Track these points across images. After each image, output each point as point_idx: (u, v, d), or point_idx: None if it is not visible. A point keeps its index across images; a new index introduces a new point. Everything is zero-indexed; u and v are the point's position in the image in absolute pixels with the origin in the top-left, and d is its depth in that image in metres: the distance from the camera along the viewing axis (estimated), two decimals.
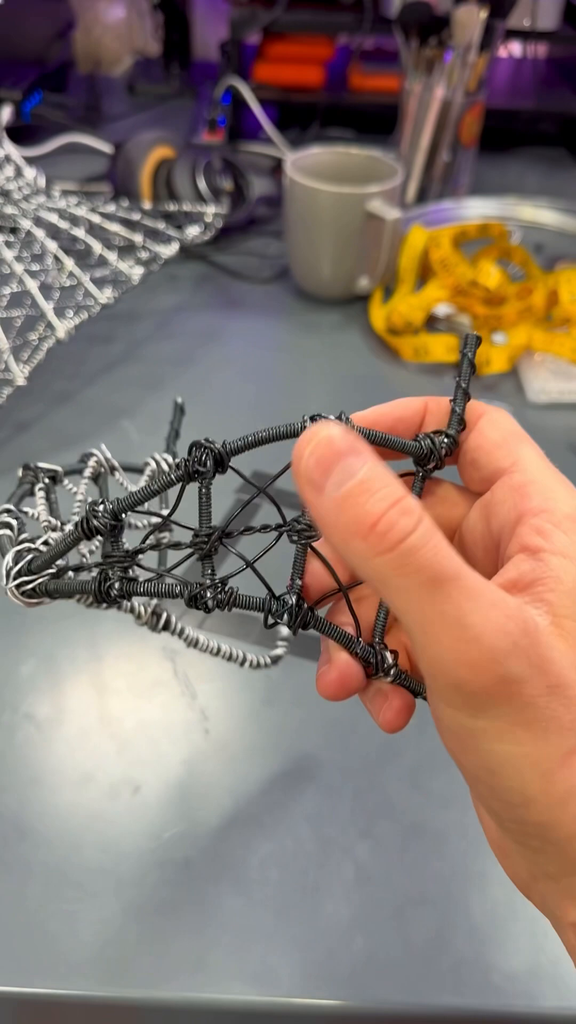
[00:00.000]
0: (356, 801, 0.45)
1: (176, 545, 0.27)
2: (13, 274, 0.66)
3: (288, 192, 0.82)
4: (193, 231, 0.79)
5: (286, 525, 0.26)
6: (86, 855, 0.43)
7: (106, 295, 0.67)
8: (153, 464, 0.37)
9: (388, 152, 0.87)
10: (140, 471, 0.38)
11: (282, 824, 0.44)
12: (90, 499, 0.34)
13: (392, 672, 0.27)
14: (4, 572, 0.27)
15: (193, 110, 1.24)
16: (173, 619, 0.36)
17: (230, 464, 0.25)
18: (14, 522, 0.29)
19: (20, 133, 1.11)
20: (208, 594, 0.25)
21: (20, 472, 0.34)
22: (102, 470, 0.36)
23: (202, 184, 0.90)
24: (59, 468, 0.35)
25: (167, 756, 0.47)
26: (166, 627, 0.36)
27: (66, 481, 0.36)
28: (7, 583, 0.27)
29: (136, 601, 0.35)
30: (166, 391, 0.73)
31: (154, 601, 0.36)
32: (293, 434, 0.24)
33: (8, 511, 0.30)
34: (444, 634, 0.21)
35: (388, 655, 0.27)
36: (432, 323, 0.81)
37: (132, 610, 0.34)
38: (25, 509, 0.32)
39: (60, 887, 0.42)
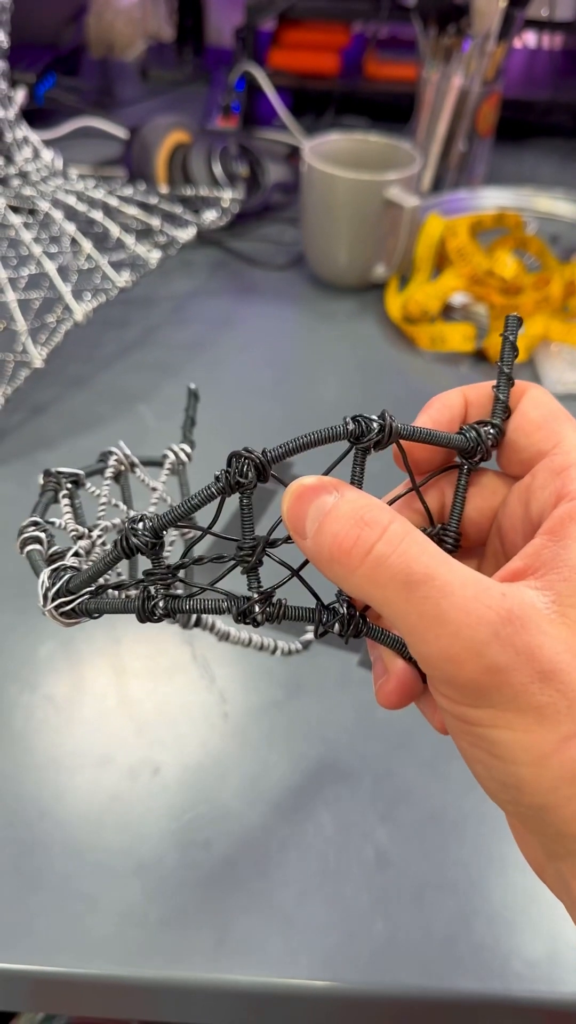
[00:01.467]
0: (375, 786, 0.45)
1: (219, 558, 0.26)
2: (31, 256, 0.65)
3: (306, 178, 0.82)
4: (210, 216, 0.78)
5: None
6: (106, 836, 0.43)
7: (124, 278, 0.67)
8: (172, 456, 0.37)
9: (404, 140, 0.87)
10: (159, 464, 0.37)
11: (302, 808, 0.44)
12: (124, 510, 0.33)
13: None
14: (41, 593, 0.27)
15: (206, 96, 1.23)
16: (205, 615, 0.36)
17: (272, 472, 0.24)
18: (43, 535, 0.29)
19: (33, 116, 1.10)
20: (257, 608, 0.25)
21: (41, 479, 0.33)
22: (122, 468, 0.36)
23: (218, 169, 0.90)
24: (81, 472, 0.34)
25: (186, 739, 0.47)
26: (197, 623, 0.36)
27: (88, 483, 0.35)
28: (46, 605, 0.27)
29: None
30: (181, 376, 0.73)
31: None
32: (335, 437, 0.24)
33: (35, 524, 0.29)
34: (427, 632, 0.21)
35: None
36: (448, 312, 0.81)
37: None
38: (51, 520, 0.31)
39: (80, 867, 0.42)
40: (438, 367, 0.76)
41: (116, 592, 0.27)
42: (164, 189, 0.85)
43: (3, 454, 0.64)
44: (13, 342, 0.63)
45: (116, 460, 0.35)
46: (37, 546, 0.28)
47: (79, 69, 1.32)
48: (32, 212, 0.69)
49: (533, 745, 0.21)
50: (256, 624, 0.25)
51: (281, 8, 1.10)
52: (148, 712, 0.48)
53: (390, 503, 0.27)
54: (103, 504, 0.34)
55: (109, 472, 0.35)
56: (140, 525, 0.24)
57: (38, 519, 0.30)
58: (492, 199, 0.98)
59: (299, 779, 0.45)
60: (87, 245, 0.67)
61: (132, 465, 0.36)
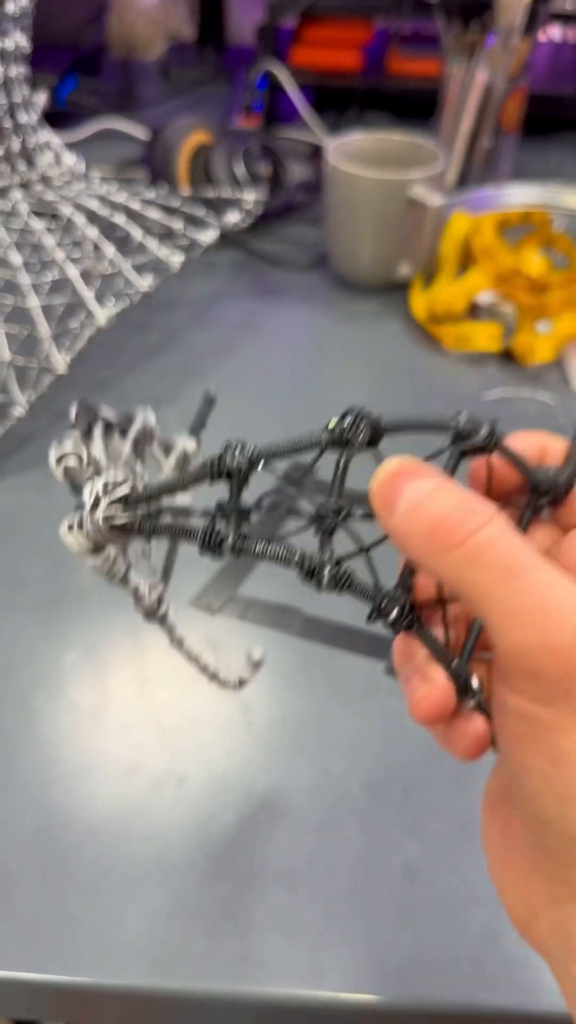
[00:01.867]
0: (403, 798, 0.44)
1: (295, 512, 0.26)
2: (54, 261, 0.65)
3: (329, 178, 0.81)
4: (232, 217, 0.78)
5: None
6: (132, 846, 0.43)
7: (147, 282, 0.67)
8: (180, 445, 0.36)
9: (428, 138, 0.86)
10: (168, 449, 0.36)
11: (328, 820, 0.44)
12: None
13: (477, 699, 0.26)
14: (90, 500, 0.25)
15: (228, 95, 1.23)
16: (170, 612, 0.35)
17: (378, 445, 0.24)
18: (83, 453, 0.28)
19: (55, 118, 1.10)
20: (328, 570, 0.24)
21: (75, 411, 0.32)
22: (144, 436, 0.34)
23: (240, 170, 0.89)
24: (112, 418, 0.33)
25: (211, 749, 0.47)
26: (163, 618, 0.34)
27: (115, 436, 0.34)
28: (93, 512, 0.25)
29: (142, 582, 0.33)
30: (204, 380, 0.73)
31: (160, 587, 0.34)
32: (442, 427, 0.24)
33: (74, 443, 0.28)
34: (525, 619, 0.21)
35: (475, 679, 0.26)
36: (474, 311, 0.80)
37: (136, 590, 0.32)
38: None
39: (106, 877, 0.41)
40: (464, 367, 0.76)
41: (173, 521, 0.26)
42: (186, 190, 0.85)
43: (27, 459, 0.64)
44: (36, 348, 0.62)
45: (141, 426, 0.34)
46: (75, 462, 0.27)
47: (100, 70, 1.32)
48: (54, 217, 0.69)
49: None
50: (319, 586, 0.24)
51: (303, 5, 1.09)
52: (173, 721, 0.48)
53: None
54: (125, 463, 0.32)
55: (133, 434, 0.34)
56: (238, 450, 0.24)
57: (78, 439, 0.29)
58: (518, 196, 0.97)
59: (325, 790, 0.45)
60: (110, 249, 0.67)
61: (151, 437, 0.35)
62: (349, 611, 0.53)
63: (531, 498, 0.27)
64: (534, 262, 0.79)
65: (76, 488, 0.26)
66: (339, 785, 0.45)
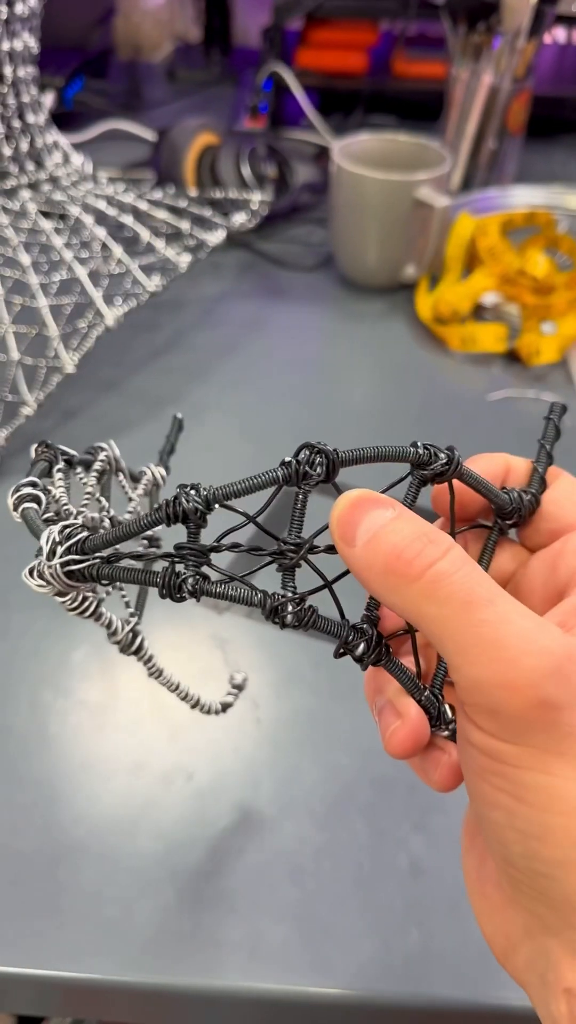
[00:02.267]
0: (409, 794, 0.45)
1: (257, 550, 0.25)
2: (63, 261, 0.66)
3: (335, 179, 0.81)
4: (239, 218, 0.78)
5: None
6: (140, 842, 0.43)
7: (154, 283, 0.67)
8: (149, 474, 0.35)
9: (433, 139, 0.86)
10: (136, 479, 0.36)
11: (335, 815, 0.44)
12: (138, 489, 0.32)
13: (452, 727, 0.26)
14: (47, 547, 0.24)
15: (234, 97, 1.24)
16: (146, 644, 0.35)
17: (335, 478, 0.23)
18: (42, 496, 0.27)
19: (62, 119, 1.11)
20: (290, 608, 0.23)
21: (35, 451, 0.31)
22: (107, 468, 0.33)
23: (246, 171, 0.90)
24: (74, 453, 0.32)
25: (219, 745, 0.47)
26: (138, 651, 0.34)
27: (77, 469, 0.34)
28: (50, 560, 0.24)
29: (114, 616, 0.32)
30: (211, 380, 0.73)
31: (133, 620, 0.34)
32: (399, 458, 0.24)
33: (34, 484, 0.27)
34: (482, 655, 0.21)
35: (448, 709, 0.26)
36: (479, 312, 0.81)
37: (109, 624, 0.32)
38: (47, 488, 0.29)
39: (114, 873, 0.42)
40: (469, 368, 0.76)
41: (134, 564, 0.25)
42: (193, 191, 0.85)
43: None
44: (45, 348, 0.63)
45: (105, 456, 0.33)
46: (33, 505, 0.26)
47: (107, 72, 1.33)
48: (63, 217, 0.69)
49: (569, 794, 0.20)
50: (283, 625, 0.24)
51: (309, 7, 1.09)
52: (181, 718, 0.48)
53: None
54: (87, 495, 0.31)
55: (97, 466, 0.33)
56: (193, 492, 0.23)
57: (37, 480, 0.28)
58: (523, 197, 0.98)
59: (332, 786, 0.45)
60: (118, 250, 0.67)
61: (118, 469, 0.34)
62: (355, 609, 0.53)
63: (496, 520, 0.28)
64: (539, 263, 0.79)
65: (35, 533, 0.25)
66: (346, 781, 0.45)
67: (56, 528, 0.25)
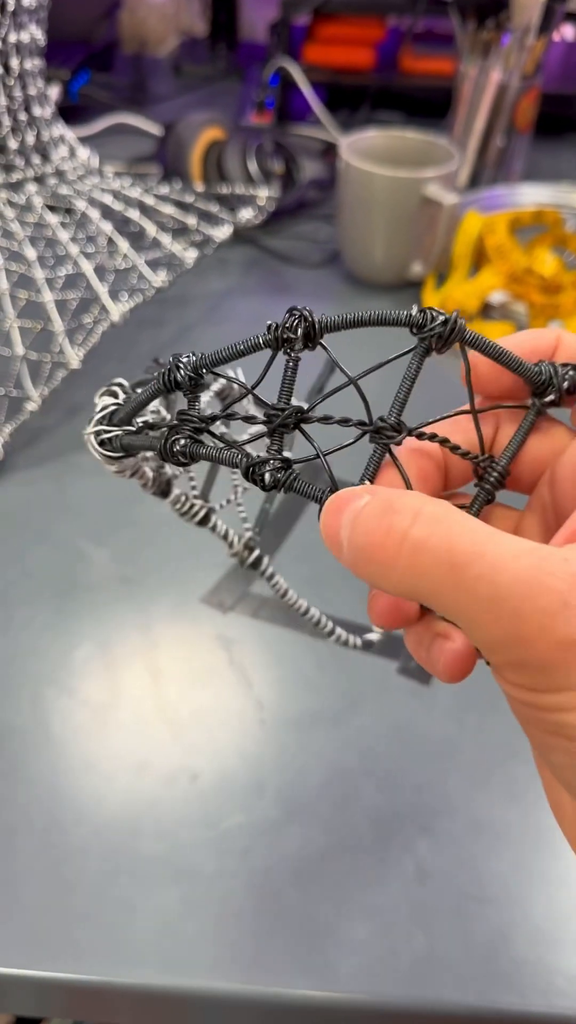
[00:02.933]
0: (415, 797, 0.44)
1: (251, 418, 0.25)
2: (68, 256, 0.65)
3: (342, 175, 0.81)
4: (246, 214, 0.78)
5: (370, 424, 0.24)
6: (144, 843, 0.42)
7: (160, 278, 0.67)
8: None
9: (440, 136, 0.86)
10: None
11: (339, 818, 0.44)
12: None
13: None
14: (91, 421, 0.26)
15: (240, 92, 1.23)
16: (266, 560, 0.35)
17: (321, 341, 0.23)
18: (119, 391, 0.28)
19: (67, 113, 1.10)
20: (267, 467, 0.23)
21: (150, 364, 0.32)
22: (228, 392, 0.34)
23: (253, 166, 0.89)
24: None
25: (223, 745, 0.47)
26: (255, 565, 0.35)
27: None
28: (87, 429, 0.26)
29: (231, 531, 0.34)
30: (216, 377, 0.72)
31: (247, 534, 0.35)
32: (396, 322, 0.23)
33: (119, 384, 0.28)
34: (485, 616, 0.19)
35: None
36: (487, 311, 0.80)
37: (226, 537, 0.34)
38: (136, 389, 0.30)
39: (118, 874, 0.41)
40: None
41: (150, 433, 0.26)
42: (199, 186, 0.85)
43: (39, 454, 0.64)
44: (50, 343, 0.62)
45: (232, 386, 0.34)
46: (110, 398, 0.27)
47: (112, 65, 1.32)
48: (69, 211, 0.69)
49: None
50: (263, 486, 0.23)
51: (316, 3, 1.09)
52: (185, 717, 0.48)
53: (435, 420, 0.26)
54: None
55: (215, 387, 0.33)
56: (184, 359, 0.24)
57: (123, 381, 0.28)
58: (530, 195, 0.97)
59: (337, 789, 0.45)
60: (124, 244, 0.67)
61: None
62: (362, 611, 0.53)
63: (533, 399, 0.25)
64: (546, 262, 0.78)
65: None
66: (351, 783, 0.45)
67: (103, 400, 0.26)
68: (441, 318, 0.23)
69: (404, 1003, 0.38)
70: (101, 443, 0.26)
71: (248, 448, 0.24)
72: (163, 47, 1.46)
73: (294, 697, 0.49)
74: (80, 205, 0.68)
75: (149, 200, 0.73)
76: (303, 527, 0.59)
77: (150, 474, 0.32)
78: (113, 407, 0.26)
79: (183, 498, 0.32)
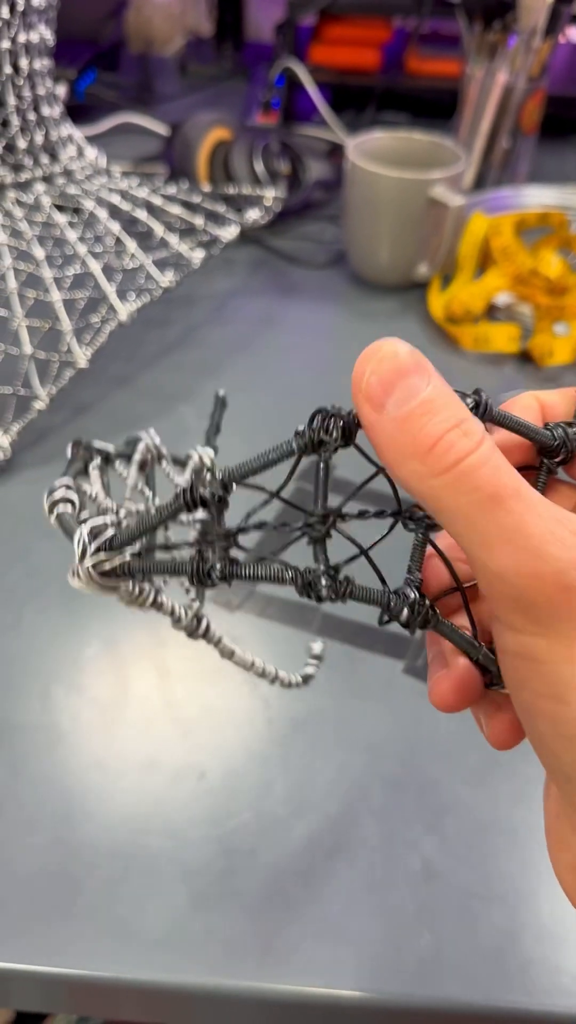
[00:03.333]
0: (422, 796, 0.45)
1: (283, 526, 0.24)
2: (76, 255, 0.65)
3: (349, 176, 0.81)
4: (253, 214, 0.78)
5: (404, 512, 0.24)
6: (152, 840, 0.43)
7: (168, 278, 0.67)
8: (196, 457, 0.35)
9: (446, 137, 0.86)
10: (183, 463, 0.36)
11: (347, 817, 0.44)
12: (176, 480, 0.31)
13: None
14: (78, 549, 0.24)
15: (246, 92, 1.23)
16: (213, 626, 0.34)
17: (355, 442, 0.22)
18: (75, 497, 0.27)
19: (73, 112, 1.10)
20: (324, 582, 0.22)
21: (70, 448, 0.31)
22: (149, 457, 0.34)
23: (259, 167, 0.89)
24: (111, 448, 0.32)
25: (230, 744, 0.47)
26: (205, 634, 0.33)
27: (117, 464, 0.34)
28: (82, 561, 0.24)
29: (176, 603, 0.32)
30: (222, 377, 0.73)
31: (195, 604, 0.33)
32: None
33: (68, 486, 0.27)
34: (505, 545, 0.20)
35: None
36: (492, 312, 0.80)
37: (172, 612, 0.31)
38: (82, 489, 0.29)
39: (126, 872, 0.42)
40: (482, 368, 0.76)
41: (164, 554, 0.25)
42: (206, 186, 0.85)
43: (46, 453, 0.64)
44: (58, 342, 0.63)
45: (144, 447, 0.33)
46: (68, 507, 0.26)
47: (118, 65, 1.32)
48: (77, 211, 0.69)
49: None
50: (320, 599, 0.23)
51: (323, 4, 1.09)
52: (192, 716, 0.48)
53: None
54: (130, 489, 0.32)
55: (137, 457, 0.33)
56: (209, 476, 0.23)
57: (70, 482, 0.27)
58: (536, 197, 0.97)
59: (344, 787, 0.45)
60: (131, 244, 0.67)
61: (160, 456, 0.34)
62: (367, 610, 0.53)
63: (541, 461, 0.26)
64: (552, 263, 0.79)
65: (69, 535, 0.25)
66: (358, 782, 0.45)
67: (85, 528, 0.24)
68: (470, 402, 0.23)
69: (411, 1001, 0.38)
70: (102, 574, 0.24)
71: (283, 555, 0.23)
72: (169, 47, 1.46)
73: (301, 696, 0.49)
74: (88, 205, 0.68)
75: (156, 200, 0.73)
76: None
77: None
78: (109, 531, 0.24)
79: (132, 586, 0.29)
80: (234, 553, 0.24)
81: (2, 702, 0.48)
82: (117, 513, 0.28)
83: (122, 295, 0.65)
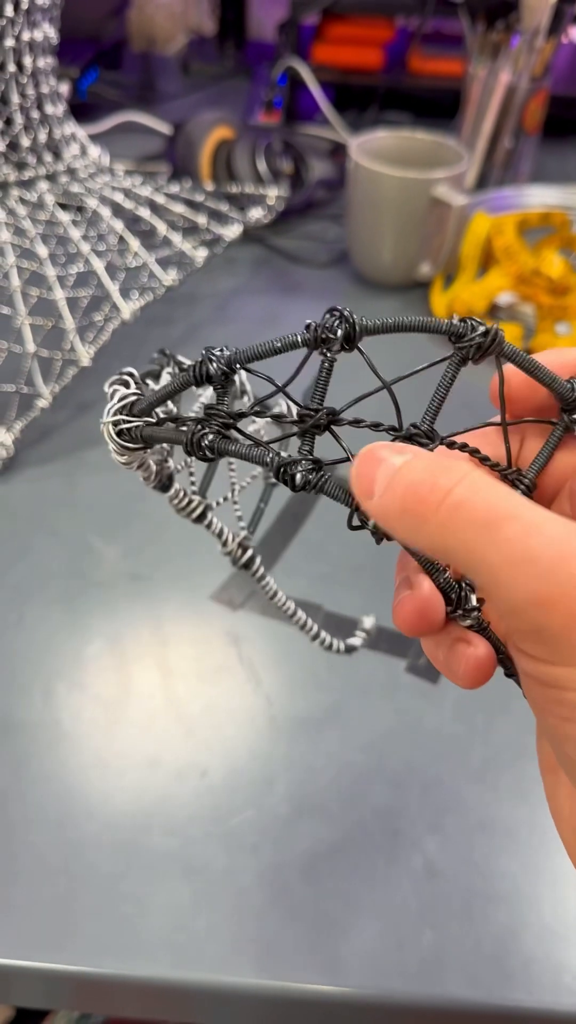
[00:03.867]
0: (424, 795, 0.45)
1: (280, 417, 0.25)
2: (79, 254, 0.65)
3: (352, 175, 0.81)
4: (256, 213, 0.78)
5: (402, 431, 0.24)
6: (154, 838, 0.43)
7: (171, 277, 0.67)
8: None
9: (449, 137, 0.86)
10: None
11: (349, 815, 0.44)
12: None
13: (474, 615, 0.24)
14: (106, 409, 0.25)
15: (248, 91, 1.23)
16: (258, 560, 0.35)
17: (359, 345, 0.23)
18: (131, 381, 0.27)
19: (76, 111, 1.10)
20: (299, 468, 0.23)
21: (156, 354, 0.32)
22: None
23: (262, 166, 0.89)
24: (188, 361, 0.32)
25: (233, 742, 0.47)
26: (248, 565, 0.34)
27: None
28: (104, 419, 0.25)
29: (226, 529, 0.33)
30: None
31: (243, 533, 0.35)
32: (436, 330, 0.23)
33: (130, 373, 0.27)
34: (513, 574, 0.19)
35: (473, 596, 0.24)
36: (495, 312, 0.80)
37: (220, 535, 0.33)
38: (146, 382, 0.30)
39: (128, 869, 0.42)
40: (485, 368, 0.75)
41: (173, 426, 0.25)
42: (209, 185, 0.85)
43: (49, 451, 0.64)
44: (61, 340, 0.63)
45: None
46: (121, 387, 0.26)
47: (121, 63, 1.32)
48: (80, 209, 0.69)
49: None
50: (293, 487, 0.23)
51: (325, 3, 1.09)
52: (195, 714, 0.48)
53: (465, 431, 0.26)
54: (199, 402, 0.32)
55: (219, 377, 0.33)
56: (218, 352, 0.23)
57: (133, 371, 0.28)
58: (538, 197, 0.97)
59: (346, 786, 0.45)
60: (135, 243, 0.67)
61: (243, 392, 0.33)
62: (370, 609, 0.53)
63: (561, 415, 0.25)
64: (554, 264, 0.79)
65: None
66: (360, 781, 0.45)
67: (118, 394, 0.25)
68: (482, 328, 0.23)
69: (413, 999, 0.38)
70: (119, 433, 0.25)
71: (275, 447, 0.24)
72: (171, 45, 1.46)
73: (303, 694, 0.49)
74: (91, 203, 0.68)
75: (159, 199, 0.73)
76: (311, 526, 0.59)
77: (154, 467, 0.31)
78: (132, 396, 0.25)
79: (181, 493, 0.32)
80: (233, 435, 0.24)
81: (4, 699, 0.48)
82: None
83: (125, 293, 0.65)
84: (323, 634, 0.39)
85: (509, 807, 0.44)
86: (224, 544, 0.34)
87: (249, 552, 0.35)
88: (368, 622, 0.43)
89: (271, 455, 0.23)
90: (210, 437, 0.23)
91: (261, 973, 0.39)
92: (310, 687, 0.50)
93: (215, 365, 0.23)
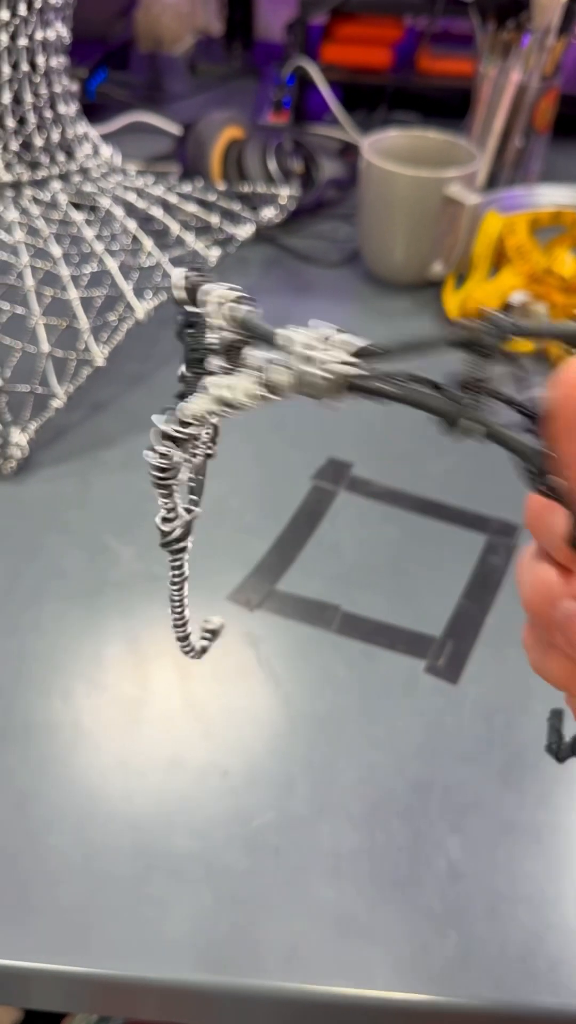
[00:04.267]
0: (446, 796, 0.44)
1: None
2: (93, 253, 0.65)
3: (364, 175, 0.81)
4: (268, 213, 0.78)
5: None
6: (176, 840, 0.42)
7: None
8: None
9: (459, 136, 0.86)
10: None
11: (371, 816, 0.44)
12: None
13: None
14: (300, 346, 0.21)
15: (256, 91, 1.23)
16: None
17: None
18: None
19: (84, 111, 1.10)
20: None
21: None
22: None
23: (273, 166, 0.89)
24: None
25: (253, 743, 0.47)
26: (179, 545, 0.32)
27: None
28: (309, 361, 0.21)
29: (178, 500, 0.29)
30: None
31: (196, 510, 0.31)
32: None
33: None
34: None
35: None
36: (507, 311, 0.80)
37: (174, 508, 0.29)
38: None
39: (150, 871, 0.41)
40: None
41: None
42: (220, 185, 0.85)
43: (63, 451, 0.64)
44: (76, 340, 0.62)
45: None
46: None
47: (128, 64, 1.32)
48: (93, 209, 0.69)
49: None
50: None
51: (334, 2, 1.09)
52: (214, 714, 0.48)
53: None
54: None
55: None
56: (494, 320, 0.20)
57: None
58: (549, 196, 0.97)
59: (367, 787, 0.45)
60: (148, 242, 0.67)
61: None
62: (388, 609, 0.53)
63: None
64: (566, 263, 0.78)
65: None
66: (381, 782, 0.45)
67: (301, 331, 0.22)
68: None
69: (438, 1001, 0.38)
70: (350, 386, 0.21)
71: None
72: (179, 46, 1.46)
73: (322, 695, 0.49)
74: (104, 203, 0.68)
75: (172, 198, 0.73)
76: (326, 527, 0.59)
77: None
78: (357, 340, 0.21)
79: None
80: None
81: (24, 701, 0.48)
82: None
83: (139, 293, 0.65)
84: (190, 640, 0.38)
85: (531, 809, 0.44)
86: (172, 519, 0.30)
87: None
88: (215, 621, 0.41)
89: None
90: (465, 420, 0.20)
91: (284, 976, 0.38)
92: (329, 687, 0.49)
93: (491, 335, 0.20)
